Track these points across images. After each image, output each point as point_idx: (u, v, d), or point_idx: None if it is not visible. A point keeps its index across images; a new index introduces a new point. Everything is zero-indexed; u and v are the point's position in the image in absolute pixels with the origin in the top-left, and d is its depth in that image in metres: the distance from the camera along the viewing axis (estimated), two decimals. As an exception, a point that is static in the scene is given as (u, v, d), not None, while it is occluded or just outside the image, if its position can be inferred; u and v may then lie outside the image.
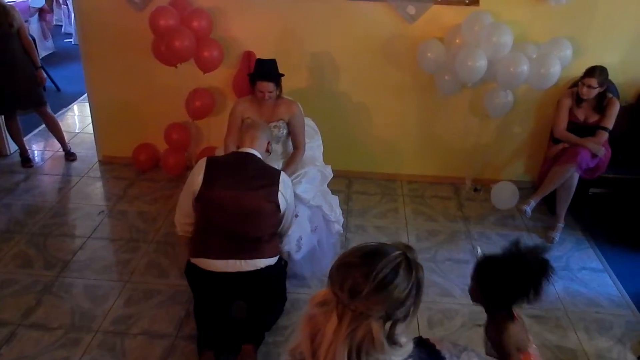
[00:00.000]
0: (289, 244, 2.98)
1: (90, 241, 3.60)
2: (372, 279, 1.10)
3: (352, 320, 1.10)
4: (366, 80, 4.15)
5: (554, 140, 3.81)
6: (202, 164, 2.65)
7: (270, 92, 3.17)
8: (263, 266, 2.60)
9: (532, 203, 3.61)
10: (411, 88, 4.14)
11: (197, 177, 2.61)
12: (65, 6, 8.50)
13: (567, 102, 3.70)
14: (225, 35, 4.02)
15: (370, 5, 3.93)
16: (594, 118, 3.67)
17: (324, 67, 4.12)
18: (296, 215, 2.99)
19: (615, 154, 3.75)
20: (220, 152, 3.39)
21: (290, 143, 3.40)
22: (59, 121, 4.75)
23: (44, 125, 4.76)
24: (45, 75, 4.53)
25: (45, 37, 7.38)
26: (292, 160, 3.30)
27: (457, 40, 3.75)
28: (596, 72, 3.51)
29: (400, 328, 1.13)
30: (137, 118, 4.43)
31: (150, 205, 4.01)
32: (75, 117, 5.75)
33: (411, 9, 3.86)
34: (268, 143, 2.85)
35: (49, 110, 4.54)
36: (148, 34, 3.77)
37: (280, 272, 2.80)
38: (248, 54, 4.03)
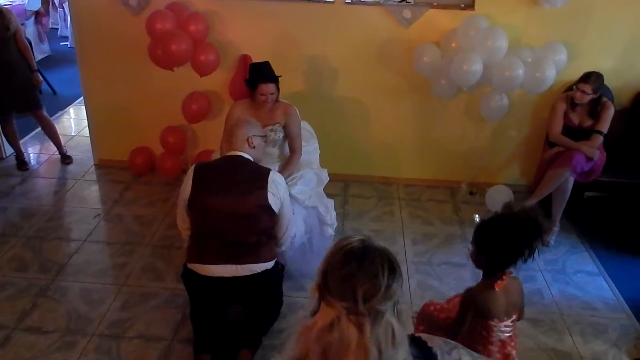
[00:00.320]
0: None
1: (86, 244, 3.59)
2: (382, 277, 1.11)
3: (372, 323, 1.09)
4: (362, 84, 4.16)
5: (549, 143, 3.83)
6: (190, 171, 2.64)
7: (272, 93, 3.17)
8: (260, 270, 2.61)
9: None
10: (407, 91, 4.15)
11: (187, 185, 2.61)
12: (61, 9, 8.49)
13: (562, 106, 3.72)
14: (222, 39, 4.03)
15: (367, 9, 3.94)
16: (588, 122, 3.69)
17: (320, 70, 4.14)
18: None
19: (610, 157, 3.77)
20: (217, 156, 3.39)
21: (286, 146, 3.40)
22: (55, 124, 4.75)
23: (39, 129, 4.75)
24: (41, 78, 4.53)
25: (41, 40, 7.36)
26: (288, 163, 3.30)
27: (453, 44, 3.77)
28: (591, 78, 3.53)
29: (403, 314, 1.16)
30: (133, 121, 4.42)
31: (147, 209, 4.01)
32: (72, 120, 5.74)
33: (407, 13, 3.88)
34: (249, 138, 2.72)
35: (45, 113, 4.54)
36: (144, 37, 3.77)
37: (277, 276, 2.81)
38: (244, 58, 4.04)
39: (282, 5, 4.00)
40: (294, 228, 2.96)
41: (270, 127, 3.28)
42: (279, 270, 2.82)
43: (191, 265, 2.63)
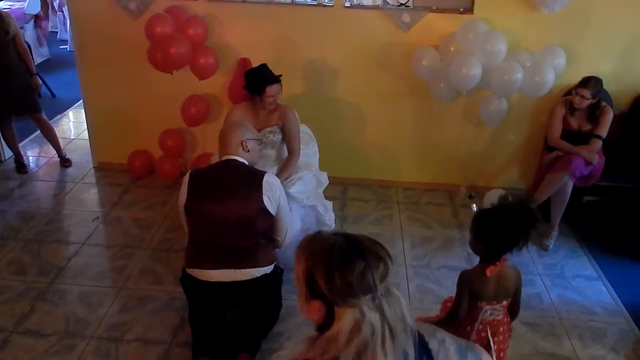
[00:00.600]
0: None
1: (84, 247, 3.59)
2: (384, 255, 1.19)
3: (387, 300, 1.16)
4: (362, 87, 4.17)
5: (548, 148, 3.83)
6: (186, 178, 2.64)
7: (277, 94, 3.20)
8: (259, 275, 2.60)
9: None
10: (406, 95, 4.16)
11: (183, 191, 2.61)
12: (60, 13, 8.50)
13: (561, 110, 3.73)
14: (221, 42, 4.04)
15: (366, 12, 3.96)
16: (587, 126, 3.69)
17: (319, 73, 4.14)
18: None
19: (608, 162, 3.77)
20: (216, 159, 3.39)
21: (284, 149, 3.40)
22: (54, 127, 4.75)
23: (39, 132, 4.74)
24: (40, 81, 4.53)
25: (40, 44, 7.37)
26: (286, 165, 3.30)
27: (452, 48, 3.78)
28: (590, 83, 3.53)
29: None
30: (133, 124, 4.43)
31: (145, 212, 4.01)
32: (71, 123, 5.74)
33: (406, 17, 3.89)
34: (243, 141, 2.70)
35: (44, 116, 4.54)
36: (143, 41, 3.78)
37: (276, 280, 2.80)
38: (244, 61, 4.05)
39: (281, 9, 4.01)
40: (293, 230, 2.96)
41: (268, 129, 3.29)
42: (278, 274, 2.82)
43: (190, 270, 2.62)
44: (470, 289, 2.08)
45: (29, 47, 6.13)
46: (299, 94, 4.14)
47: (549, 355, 2.84)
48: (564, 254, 3.70)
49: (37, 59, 7.05)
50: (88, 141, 4.68)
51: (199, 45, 3.80)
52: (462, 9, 3.86)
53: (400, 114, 4.25)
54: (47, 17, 8.11)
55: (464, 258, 3.60)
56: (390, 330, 1.14)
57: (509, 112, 3.91)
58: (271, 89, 3.18)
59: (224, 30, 4.04)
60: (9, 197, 4.16)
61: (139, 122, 4.40)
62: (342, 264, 1.16)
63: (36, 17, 7.24)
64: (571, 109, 3.69)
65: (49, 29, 8.28)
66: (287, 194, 2.93)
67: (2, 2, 7.05)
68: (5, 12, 4.31)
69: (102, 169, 4.61)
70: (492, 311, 2.12)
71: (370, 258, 1.17)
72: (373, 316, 1.13)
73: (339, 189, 4.33)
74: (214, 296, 2.66)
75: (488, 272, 2.04)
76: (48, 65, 7.26)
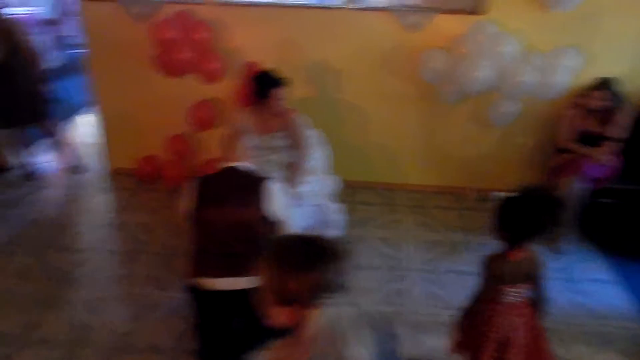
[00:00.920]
0: None
1: (92, 254, 3.61)
2: (342, 256, 1.27)
3: (348, 297, 1.30)
4: (368, 89, 4.14)
5: (558, 150, 3.77)
6: (192, 185, 2.63)
7: (284, 98, 3.23)
8: (262, 282, 2.58)
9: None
10: (413, 97, 4.12)
11: (185, 199, 2.60)
12: (74, 17, 8.57)
13: (572, 113, 3.67)
14: (227, 46, 4.03)
15: (373, 14, 3.92)
16: (601, 128, 3.62)
17: (325, 76, 4.12)
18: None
19: (626, 164, 3.69)
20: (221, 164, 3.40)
21: (290, 153, 3.38)
22: (64, 134, 4.78)
23: (48, 138, 4.78)
24: (50, 88, 4.54)
25: (53, 49, 7.44)
26: (296, 169, 3.29)
27: (462, 50, 3.72)
28: (605, 85, 3.48)
29: None
30: (141, 129, 4.45)
31: (151, 216, 4.02)
32: (81, 128, 5.77)
33: (414, 18, 3.84)
34: (246, 149, 2.71)
35: (54, 124, 4.56)
36: (152, 45, 3.78)
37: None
38: (251, 65, 4.03)
39: (288, 11, 4.00)
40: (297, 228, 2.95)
41: (274, 134, 3.28)
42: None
43: (194, 279, 2.62)
44: (493, 272, 2.17)
45: (40, 52, 6.19)
46: (305, 96, 4.12)
47: (558, 362, 2.79)
48: (576, 257, 3.65)
49: (50, 64, 7.11)
50: (98, 146, 4.70)
51: (206, 50, 3.80)
52: (470, 10, 3.79)
53: (405, 116, 4.21)
54: (60, 22, 8.19)
55: (471, 262, 3.54)
56: (348, 321, 1.25)
57: (519, 114, 3.85)
58: (277, 93, 3.19)
59: (231, 34, 4.04)
60: (18, 204, 4.20)
61: (147, 126, 4.42)
62: (308, 267, 1.22)
63: (50, 22, 7.31)
64: (585, 110, 3.62)
65: (63, 34, 8.36)
66: (295, 194, 2.95)
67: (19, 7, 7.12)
68: (9, 18, 4.24)
69: (112, 174, 4.63)
70: (514, 293, 2.19)
71: (338, 259, 1.24)
72: (339, 311, 1.24)
73: (345, 192, 4.28)
74: (218, 304, 2.65)
75: (510, 256, 2.12)
76: (60, 69, 7.31)
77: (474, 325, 2.31)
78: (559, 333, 2.97)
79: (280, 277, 1.23)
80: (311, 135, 3.60)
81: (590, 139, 3.64)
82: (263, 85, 3.22)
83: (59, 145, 4.67)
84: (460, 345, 2.42)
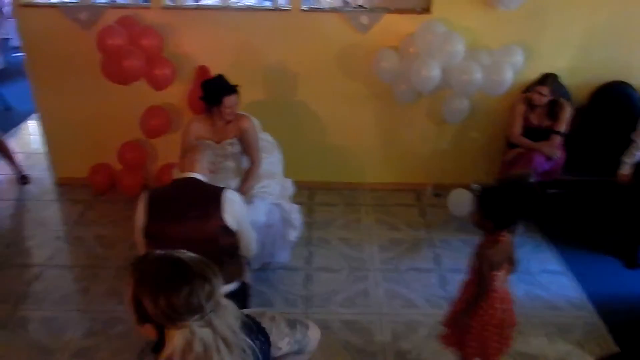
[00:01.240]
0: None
1: (46, 270, 3.49)
2: (210, 274, 1.27)
3: (217, 313, 1.24)
4: (324, 90, 4.14)
5: (510, 145, 3.87)
6: (142, 200, 2.56)
7: (235, 105, 3.15)
8: (224, 293, 2.55)
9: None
10: (369, 96, 4.14)
11: (140, 213, 2.53)
12: (12, 19, 8.21)
13: (521, 108, 3.77)
14: (178, 51, 3.95)
15: (324, 15, 3.92)
16: (547, 122, 3.74)
17: (280, 78, 4.09)
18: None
19: (570, 155, 3.82)
20: (177, 172, 3.33)
21: (245, 159, 3.35)
22: (8, 144, 4.59)
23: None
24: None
25: (-8, 53, 7.12)
26: (248, 176, 3.27)
27: (411, 49, 3.76)
28: (548, 80, 3.60)
29: None
30: (91, 137, 4.32)
31: (108, 229, 3.91)
32: (28, 136, 5.57)
33: (364, 19, 3.86)
34: (212, 162, 2.72)
35: (-3, 132, 4.39)
36: (97, 52, 3.67)
37: (242, 297, 2.76)
38: (202, 69, 3.97)
39: (238, 14, 3.95)
40: (256, 224, 2.94)
41: (227, 141, 3.24)
42: (244, 290, 2.78)
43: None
44: (491, 258, 2.21)
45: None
46: (260, 99, 4.09)
47: (517, 354, 2.86)
48: (529, 248, 3.75)
49: (-9, 69, 6.82)
50: (43, 155, 4.54)
51: (154, 56, 3.71)
52: (419, 10, 3.85)
53: (363, 116, 4.23)
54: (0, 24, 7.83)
55: (432, 259, 3.62)
56: (224, 340, 1.22)
57: (471, 110, 3.92)
58: (228, 100, 3.12)
59: (181, 38, 3.96)
60: (-35, 220, 4.03)
61: (97, 134, 4.29)
62: (168, 289, 1.21)
63: (-13, 25, 6.99)
64: (531, 105, 3.73)
65: (1, 36, 8.01)
66: (251, 194, 2.97)
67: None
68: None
69: (62, 185, 4.49)
70: (504, 278, 2.28)
71: (195, 280, 1.23)
72: (204, 333, 1.20)
73: (306, 194, 4.30)
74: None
75: (502, 239, 2.19)
76: (2, 74, 7.01)
77: (474, 318, 2.32)
78: (518, 325, 3.06)
79: (137, 296, 1.24)
80: (266, 139, 3.58)
81: (538, 133, 3.75)
82: (212, 92, 3.16)
83: (4, 155, 4.48)
84: (455, 340, 2.45)
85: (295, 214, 3.37)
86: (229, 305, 1.29)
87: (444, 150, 4.29)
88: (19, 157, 4.65)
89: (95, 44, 3.61)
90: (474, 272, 2.29)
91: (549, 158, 3.69)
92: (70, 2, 3.93)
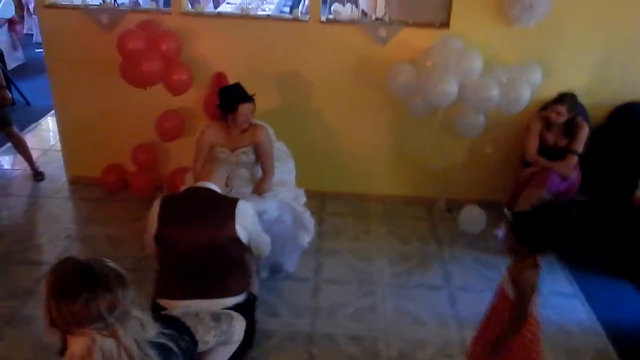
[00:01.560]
0: None
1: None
2: (115, 286, 1.29)
3: (123, 326, 1.27)
4: (338, 101, 4.13)
5: (525, 163, 3.83)
6: (156, 204, 2.58)
7: (250, 113, 3.16)
8: (231, 305, 2.54)
9: (504, 227, 3.62)
10: (383, 108, 4.12)
11: (153, 218, 2.54)
12: (36, 15, 8.34)
13: (537, 126, 3.73)
14: (195, 56, 3.97)
15: (342, 27, 3.93)
16: (564, 141, 3.69)
17: (295, 88, 4.10)
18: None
19: (585, 176, 3.77)
20: (190, 178, 3.35)
21: (259, 168, 3.35)
22: (26, 140, 4.64)
23: (10, 144, 4.63)
24: (10, 95, 4.41)
25: (15, 48, 7.23)
26: (260, 184, 3.26)
27: (428, 64, 3.74)
28: (566, 99, 3.55)
29: None
30: (106, 137, 4.35)
31: (118, 229, 3.92)
32: (45, 132, 5.62)
33: (382, 32, 3.85)
34: (227, 177, 2.78)
35: (15, 130, 4.44)
36: (116, 54, 3.69)
37: (249, 308, 2.74)
38: (219, 75, 3.98)
39: (256, 23, 3.97)
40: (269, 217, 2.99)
41: (241, 149, 3.25)
42: (250, 302, 2.77)
43: (160, 301, 2.57)
44: (533, 282, 2.16)
45: (2, 53, 6.02)
46: (275, 108, 4.09)
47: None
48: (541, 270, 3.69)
49: (12, 64, 6.92)
50: (59, 152, 4.57)
51: (172, 61, 3.73)
52: (438, 24, 3.83)
53: (377, 127, 4.22)
54: (21, 20, 7.96)
55: (442, 276, 3.58)
56: (128, 353, 1.23)
57: (486, 126, 3.88)
58: (244, 108, 3.13)
59: (199, 44, 3.98)
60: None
61: (112, 134, 4.32)
62: (68, 294, 1.24)
63: (10, 21, 7.10)
64: (547, 124, 3.69)
65: (24, 32, 8.13)
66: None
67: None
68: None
69: (75, 183, 4.51)
70: (537, 304, 2.23)
71: (98, 289, 1.24)
72: (107, 342, 1.22)
73: (317, 204, 4.28)
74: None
75: (540, 263, 2.15)
76: (23, 70, 7.12)
77: (515, 344, 2.26)
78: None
79: (46, 300, 1.28)
80: (280, 148, 3.57)
81: (554, 152, 3.70)
82: (228, 100, 3.17)
83: (21, 151, 4.52)
84: None
85: (307, 216, 3.35)
86: (144, 319, 1.31)
87: (458, 165, 4.25)
88: (35, 154, 4.69)
89: (116, 47, 3.63)
90: (504, 298, 2.23)
91: (564, 178, 3.64)
92: (92, 4, 3.96)
